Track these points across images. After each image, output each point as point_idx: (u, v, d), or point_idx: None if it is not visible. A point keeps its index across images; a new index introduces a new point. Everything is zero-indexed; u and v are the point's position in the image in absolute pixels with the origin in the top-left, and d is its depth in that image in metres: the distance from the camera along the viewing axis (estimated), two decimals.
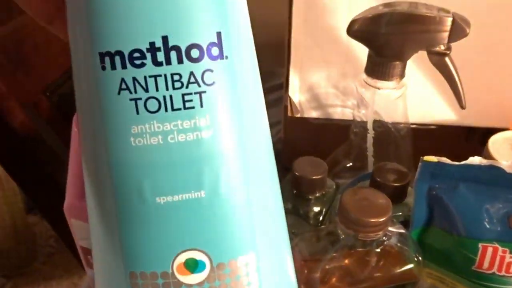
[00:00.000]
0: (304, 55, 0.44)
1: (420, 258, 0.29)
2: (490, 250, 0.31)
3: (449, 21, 0.33)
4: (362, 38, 0.36)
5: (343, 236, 0.28)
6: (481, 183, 0.30)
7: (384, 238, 0.28)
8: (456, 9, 0.36)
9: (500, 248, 0.30)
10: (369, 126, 0.41)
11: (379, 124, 0.41)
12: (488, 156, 0.36)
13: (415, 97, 0.44)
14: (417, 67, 0.43)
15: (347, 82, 0.44)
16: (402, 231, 0.30)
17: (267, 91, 0.75)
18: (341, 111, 0.45)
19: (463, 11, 0.35)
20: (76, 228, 0.31)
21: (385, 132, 0.41)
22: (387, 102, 0.39)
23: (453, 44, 0.36)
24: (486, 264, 0.31)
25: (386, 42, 0.35)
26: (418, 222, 0.33)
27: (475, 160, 0.29)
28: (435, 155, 0.32)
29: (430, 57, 0.35)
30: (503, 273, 0.31)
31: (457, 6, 0.35)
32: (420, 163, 0.30)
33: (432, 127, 0.45)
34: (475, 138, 0.43)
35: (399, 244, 0.29)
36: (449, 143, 0.44)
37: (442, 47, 0.35)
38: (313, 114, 0.45)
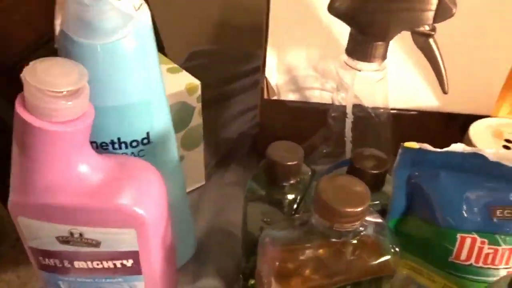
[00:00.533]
0: (283, 36, 0.41)
1: (397, 249, 0.28)
2: (468, 241, 0.30)
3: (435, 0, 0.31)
4: (344, 15, 0.34)
5: (318, 226, 0.27)
6: (462, 171, 0.28)
7: (361, 228, 0.26)
8: None
9: (479, 239, 0.29)
10: (348, 110, 0.39)
11: (358, 109, 0.39)
12: (468, 143, 0.35)
13: (396, 81, 0.42)
14: (399, 50, 0.41)
15: (327, 64, 0.42)
16: (379, 220, 0.29)
17: (245, 74, 0.73)
18: (319, 94, 0.43)
19: None
20: (24, 227, 0.28)
21: (365, 117, 0.39)
22: (368, 85, 0.37)
23: (438, 28, 0.35)
24: (464, 255, 0.30)
25: (369, 20, 0.33)
26: (396, 211, 0.31)
27: (458, 147, 0.27)
28: (415, 141, 0.30)
29: (414, 38, 0.33)
30: (480, 264, 0.30)
31: None
32: (400, 150, 0.28)
33: (413, 112, 0.43)
34: (456, 125, 0.42)
35: (376, 235, 0.27)
36: (429, 129, 0.43)
37: (427, 28, 0.33)
38: (291, 96, 0.43)
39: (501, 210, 0.29)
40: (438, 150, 0.28)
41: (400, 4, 0.32)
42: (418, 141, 0.32)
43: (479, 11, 0.40)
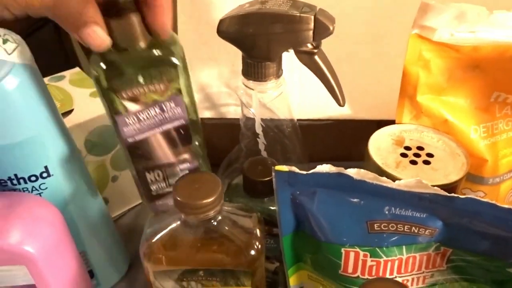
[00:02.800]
0: (192, 54, 0.42)
1: (259, 247, 0.30)
2: (352, 255, 0.30)
3: (311, 19, 0.32)
4: (230, 38, 0.34)
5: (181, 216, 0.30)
6: (337, 189, 0.29)
7: (213, 222, 0.30)
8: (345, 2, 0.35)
9: (361, 253, 0.30)
10: (257, 126, 0.40)
11: (266, 123, 0.40)
12: (366, 153, 0.36)
13: (310, 93, 0.43)
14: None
15: (238, 80, 0.43)
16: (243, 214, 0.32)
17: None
18: (234, 110, 0.44)
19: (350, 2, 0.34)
20: None
21: (272, 130, 0.40)
22: (269, 102, 0.38)
23: (341, 35, 0.35)
24: (350, 269, 0.31)
25: (252, 43, 0.33)
26: (286, 228, 0.32)
27: (324, 168, 0.28)
28: (333, 149, 0.31)
29: (298, 57, 0.34)
30: (366, 276, 0.31)
31: None
32: (273, 173, 0.29)
33: (328, 122, 0.44)
34: (371, 130, 0.43)
35: (232, 230, 0.30)
36: (345, 136, 0.43)
37: (310, 46, 0.33)
38: (207, 114, 0.44)
39: (378, 224, 0.29)
40: (305, 172, 0.28)
41: (278, 27, 0.32)
42: (335, 148, 0.32)
43: (380, 17, 0.40)
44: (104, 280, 0.42)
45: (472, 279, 0.31)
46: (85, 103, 0.46)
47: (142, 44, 0.28)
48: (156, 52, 0.29)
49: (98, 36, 0.27)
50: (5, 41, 0.30)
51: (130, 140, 0.31)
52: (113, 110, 0.30)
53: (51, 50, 0.61)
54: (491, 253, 0.28)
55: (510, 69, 0.36)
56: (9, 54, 0.29)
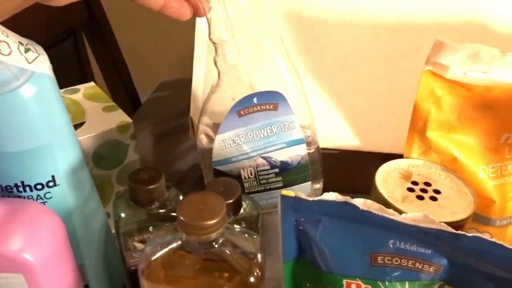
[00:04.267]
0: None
1: (259, 273, 0.30)
2: (353, 287, 0.30)
3: None
4: None
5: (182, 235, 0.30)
6: (342, 218, 0.29)
7: (214, 244, 0.29)
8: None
9: (363, 285, 0.30)
10: None
11: None
12: (373, 185, 0.36)
13: (320, 122, 0.43)
14: (322, 93, 0.42)
15: None
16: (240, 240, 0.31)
17: None
18: None
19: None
20: None
21: None
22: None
23: (357, 69, 0.36)
24: None
25: None
26: (288, 255, 0.32)
27: (330, 196, 0.28)
28: (338, 178, 0.31)
29: None
30: None
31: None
32: (279, 197, 0.29)
33: (337, 151, 0.44)
34: (378, 163, 0.43)
35: (232, 254, 0.29)
36: (352, 167, 0.43)
37: None
38: None
39: (381, 257, 0.29)
40: (311, 198, 0.28)
41: None
42: (341, 179, 0.32)
43: (395, 54, 0.41)
44: None
45: None
46: (97, 117, 0.47)
47: (157, 204, 0.36)
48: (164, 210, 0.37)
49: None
50: (27, 50, 0.31)
51: (132, 268, 0.39)
52: (124, 247, 0.39)
53: (70, 63, 0.63)
54: None
55: None
56: (30, 63, 0.30)
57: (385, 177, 0.37)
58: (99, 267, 0.41)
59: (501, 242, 0.26)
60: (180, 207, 0.29)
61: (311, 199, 0.28)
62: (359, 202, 0.27)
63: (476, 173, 0.38)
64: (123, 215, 0.37)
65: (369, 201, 0.27)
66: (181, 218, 0.28)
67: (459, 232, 0.26)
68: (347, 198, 0.28)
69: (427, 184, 0.36)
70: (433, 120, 0.36)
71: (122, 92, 0.86)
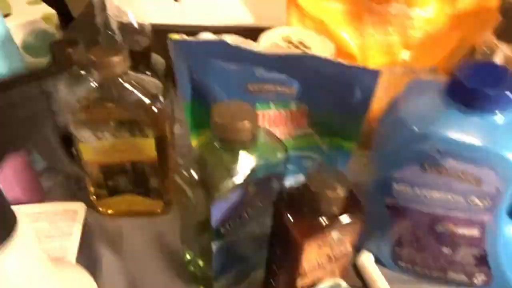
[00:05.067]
0: None
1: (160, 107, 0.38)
2: None
3: None
4: None
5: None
6: (222, 59, 0.37)
7: (121, 81, 0.37)
8: None
9: None
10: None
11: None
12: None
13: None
14: None
15: None
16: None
17: None
18: None
19: None
20: None
21: None
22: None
23: None
24: None
25: None
26: (187, 95, 0.40)
27: (206, 35, 0.36)
28: None
29: None
30: None
31: None
32: (168, 42, 0.37)
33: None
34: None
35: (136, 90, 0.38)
36: None
37: None
38: None
39: (252, 86, 0.38)
40: (192, 39, 0.36)
41: None
42: None
43: None
44: None
45: (325, 133, 0.41)
46: (22, 9, 0.52)
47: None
48: None
49: None
50: None
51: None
52: None
53: None
54: (333, 106, 0.38)
55: None
56: None
57: (269, 38, 0.45)
58: None
59: (330, 59, 0.35)
60: (92, 52, 0.36)
61: (191, 39, 0.36)
62: (228, 39, 0.36)
63: (338, 33, 0.47)
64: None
65: (237, 38, 0.36)
66: (92, 57, 0.35)
67: (303, 54, 0.35)
68: (219, 36, 0.36)
69: (301, 43, 0.46)
70: None
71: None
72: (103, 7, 0.46)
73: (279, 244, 0.33)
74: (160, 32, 0.39)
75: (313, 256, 0.31)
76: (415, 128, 0.33)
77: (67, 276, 0.25)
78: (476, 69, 0.33)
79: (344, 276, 0.37)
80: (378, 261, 0.44)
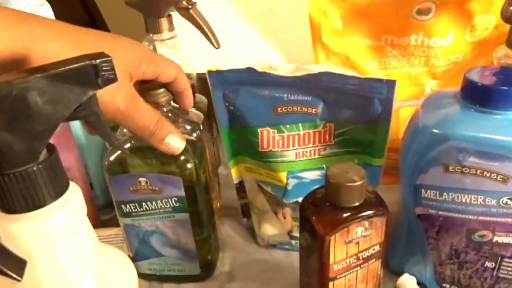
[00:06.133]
0: None
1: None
2: (265, 133, 0.43)
3: None
4: (132, 5, 0.48)
5: None
6: (253, 84, 0.42)
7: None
8: None
9: (271, 130, 0.43)
10: None
11: None
12: None
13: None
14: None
15: None
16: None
17: None
18: None
19: None
20: None
21: None
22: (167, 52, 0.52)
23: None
24: (265, 144, 0.43)
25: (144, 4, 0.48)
26: (223, 122, 0.45)
27: (239, 66, 0.41)
28: None
29: (179, 13, 0.48)
30: (276, 148, 0.43)
31: None
32: (207, 75, 0.42)
33: None
34: None
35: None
36: None
37: (185, 3, 0.47)
38: None
39: (280, 108, 0.42)
40: (225, 69, 0.41)
41: None
42: None
43: None
44: None
45: (353, 151, 0.43)
46: None
47: None
48: None
49: (173, 144, 0.36)
50: None
51: None
52: None
53: None
54: (356, 120, 0.40)
55: (390, 14, 0.49)
56: None
57: None
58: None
59: (345, 74, 0.39)
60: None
61: (225, 69, 0.41)
62: (256, 66, 0.41)
63: (364, 67, 0.51)
64: None
65: (263, 64, 0.41)
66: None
67: (318, 72, 0.39)
68: (247, 64, 0.41)
69: None
70: (324, 28, 0.50)
71: None
72: None
73: (308, 247, 0.34)
74: (205, 80, 0.45)
75: (340, 253, 0.32)
76: (435, 131, 0.35)
77: (109, 254, 0.28)
78: (487, 71, 0.35)
79: None
80: (421, 284, 0.42)
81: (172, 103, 0.43)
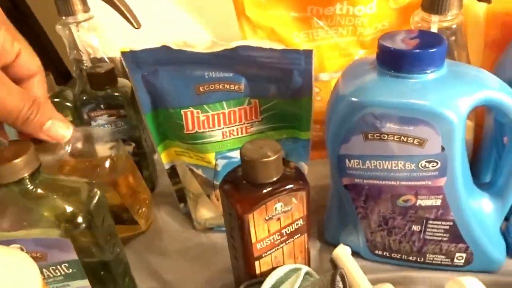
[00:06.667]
0: None
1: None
2: (189, 114, 0.41)
3: None
4: None
5: None
6: (168, 64, 0.40)
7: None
8: None
9: (195, 111, 0.41)
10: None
11: (95, 60, 0.51)
12: None
13: None
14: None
15: None
16: None
17: None
18: None
19: None
20: None
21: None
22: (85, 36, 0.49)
23: None
24: (190, 126, 0.41)
25: None
26: (145, 107, 0.43)
27: (153, 44, 0.39)
28: None
29: None
30: (201, 129, 0.41)
31: None
32: (121, 57, 0.40)
33: None
34: None
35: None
36: None
37: None
38: None
39: (202, 87, 0.40)
40: (139, 49, 0.39)
41: None
42: None
43: None
44: None
45: (280, 127, 0.42)
46: None
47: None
48: None
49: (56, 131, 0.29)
50: None
51: None
52: None
53: None
54: (279, 94, 0.39)
55: None
56: None
57: None
58: None
59: (262, 46, 0.37)
60: None
61: (140, 49, 0.39)
62: (172, 43, 0.39)
63: (291, 39, 0.50)
64: None
65: (179, 41, 0.39)
66: None
67: (236, 45, 0.37)
68: (164, 43, 0.39)
69: None
70: (247, 1, 0.48)
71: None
72: (75, 46, 0.51)
73: (231, 227, 0.33)
74: None
75: (261, 231, 0.31)
76: (352, 99, 0.34)
77: (7, 256, 0.26)
78: (400, 36, 0.35)
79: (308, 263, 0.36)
80: (355, 253, 0.42)
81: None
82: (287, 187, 0.31)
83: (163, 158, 0.46)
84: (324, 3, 0.49)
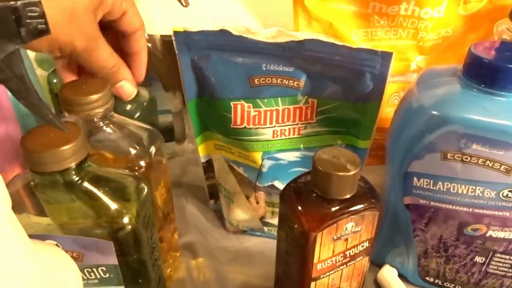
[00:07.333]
0: None
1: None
2: (239, 107, 0.37)
3: None
4: None
5: None
6: (224, 49, 0.36)
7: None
8: None
9: (246, 104, 0.37)
10: None
11: None
12: None
13: None
14: None
15: None
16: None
17: None
18: None
19: None
20: None
21: None
22: None
23: None
24: (239, 120, 0.38)
25: None
26: (190, 93, 0.39)
27: (213, 27, 0.35)
28: None
29: None
30: (251, 125, 0.38)
31: None
32: (172, 36, 0.36)
33: None
34: None
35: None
36: None
37: None
38: None
39: (257, 79, 0.36)
40: (194, 31, 0.35)
41: None
42: None
43: None
44: None
45: (336, 131, 0.38)
46: None
47: None
48: None
49: (126, 89, 0.35)
50: None
51: None
52: None
53: None
54: (342, 96, 0.36)
55: None
56: None
57: None
58: None
59: (334, 42, 0.34)
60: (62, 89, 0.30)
61: (196, 30, 0.35)
62: (231, 28, 0.35)
63: (349, 36, 0.46)
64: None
65: (240, 27, 0.35)
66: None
67: (304, 39, 0.34)
68: (222, 26, 0.35)
69: None
70: None
71: None
72: None
73: (288, 242, 0.30)
74: (170, 43, 0.38)
75: (326, 251, 0.28)
76: (433, 112, 0.31)
77: (47, 254, 0.22)
78: (495, 47, 0.31)
79: None
80: (402, 277, 0.39)
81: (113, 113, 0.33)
82: (361, 205, 0.27)
83: (200, 150, 0.43)
84: (389, 1, 0.45)
